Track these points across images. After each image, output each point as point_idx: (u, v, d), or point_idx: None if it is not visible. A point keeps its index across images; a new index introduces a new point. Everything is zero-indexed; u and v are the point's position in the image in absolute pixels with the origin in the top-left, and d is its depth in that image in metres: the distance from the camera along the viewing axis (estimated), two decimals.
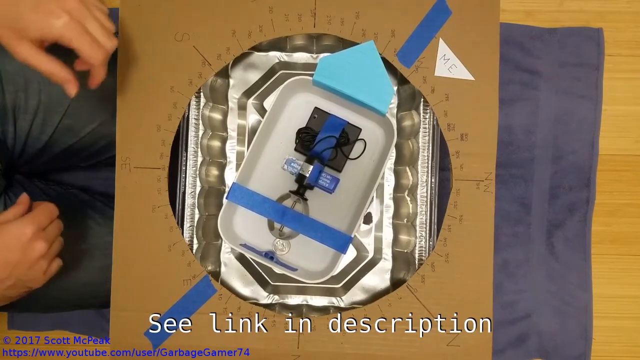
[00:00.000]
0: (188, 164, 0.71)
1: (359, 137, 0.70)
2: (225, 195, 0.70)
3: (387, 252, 0.74)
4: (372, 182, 0.69)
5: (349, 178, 0.71)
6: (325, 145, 0.69)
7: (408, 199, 0.72)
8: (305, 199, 0.70)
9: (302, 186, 0.69)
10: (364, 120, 0.71)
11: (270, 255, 0.69)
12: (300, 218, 0.69)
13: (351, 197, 0.71)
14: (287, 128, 0.71)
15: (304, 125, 0.71)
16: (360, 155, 0.70)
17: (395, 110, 0.74)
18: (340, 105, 0.71)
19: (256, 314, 0.67)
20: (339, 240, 0.68)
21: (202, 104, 0.71)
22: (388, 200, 0.74)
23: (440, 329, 0.67)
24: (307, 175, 0.67)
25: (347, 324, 0.67)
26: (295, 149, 0.71)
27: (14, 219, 0.61)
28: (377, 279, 0.74)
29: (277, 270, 0.70)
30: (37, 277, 0.61)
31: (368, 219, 0.74)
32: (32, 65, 0.54)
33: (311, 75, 0.67)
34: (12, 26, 0.52)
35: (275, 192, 0.71)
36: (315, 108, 0.71)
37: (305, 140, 0.70)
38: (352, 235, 0.67)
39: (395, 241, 0.74)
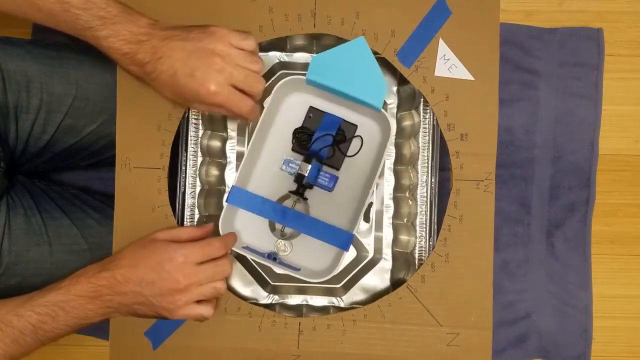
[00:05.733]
0: (188, 164, 0.71)
1: (356, 134, 0.70)
2: (225, 198, 0.70)
3: (387, 252, 0.74)
4: (371, 179, 0.69)
5: (348, 175, 0.71)
6: (322, 143, 0.69)
7: (408, 199, 0.72)
8: (305, 199, 0.70)
9: (302, 186, 0.69)
10: (359, 117, 0.71)
11: (273, 257, 0.69)
12: (301, 218, 0.69)
13: (351, 194, 0.71)
14: (284, 128, 0.71)
15: (300, 125, 0.70)
16: (358, 152, 0.70)
17: (395, 110, 0.74)
18: (335, 103, 0.71)
19: (256, 314, 0.67)
20: (341, 238, 0.68)
21: None
22: (388, 200, 0.74)
23: (440, 329, 0.67)
24: (306, 174, 0.67)
25: (347, 324, 0.67)
26: (293, 149, 0.71)
27: (185, 239, 0.63)
28: (377, 279, 0.74)
29: (280, 270, 0.70)
30: (170, 308, 0.60)
31: (366, 215, 0.74)
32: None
33: (305, 74, 0.67)
34: (180, 97, 0.63)
35: (274, 193, 0.71)
36: (310, 107, 0.70)
37: (302, 139, 0.70)
38: (354, 233, 0.67)
39: (395, 241, 0.74)
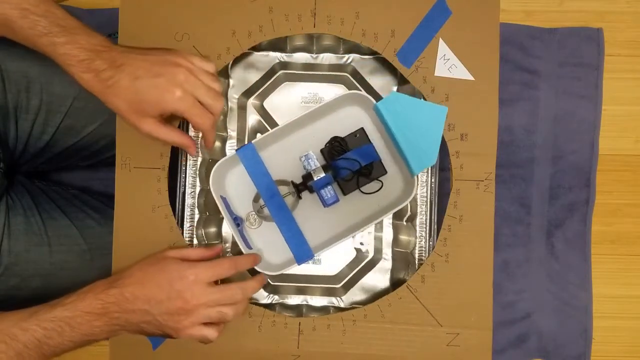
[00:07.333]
0: (188, 164, 0.71)
1: (380, 179, 0.70)
2: (237, 148, 0.70)
3: (387, 252, 0.74)
4: (362, 223, 0.69)
5: (348, 206, 0.70)
6: (347, 164, 0.68)
7: None
8: (300, 197, 0.70)
9: (304, 185, 0.68)
10: (392, 166, 0.70)
11: (237, 222, 0.69)
12: (283, 209, 0.69)
13: (338, 223, 0.70)
14: (327, 129, 0.71)
15: (342, 136, 0.70)
16: (370, 193, 0.70)
17: None
18: (382, 139, 0.70)
19: (256, 314, 0.67)
20: (302, 251, 0.68)
21: None
22: None
23: (440, 329, 0.67)
24: (315, 179, 0.67)
25: (347, 324, 0.67)
26: (321, 151, 0.71)
27: (195, 258, 0.63)
28: (377, 279, 0.74)
29: (235, 238, 0.70)
30: (176, 328, 0.60)
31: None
32: (155, 138, 0.62)
33: (374, 94, 0.69)
34: (136, 108, 0.59)
35: (279, 174, 0.70)
36: (362, 128, 0.70)
37: (334, 149, 0.70)
38: (315, 256, 0.68)
39: (395, 241, 0.74)
